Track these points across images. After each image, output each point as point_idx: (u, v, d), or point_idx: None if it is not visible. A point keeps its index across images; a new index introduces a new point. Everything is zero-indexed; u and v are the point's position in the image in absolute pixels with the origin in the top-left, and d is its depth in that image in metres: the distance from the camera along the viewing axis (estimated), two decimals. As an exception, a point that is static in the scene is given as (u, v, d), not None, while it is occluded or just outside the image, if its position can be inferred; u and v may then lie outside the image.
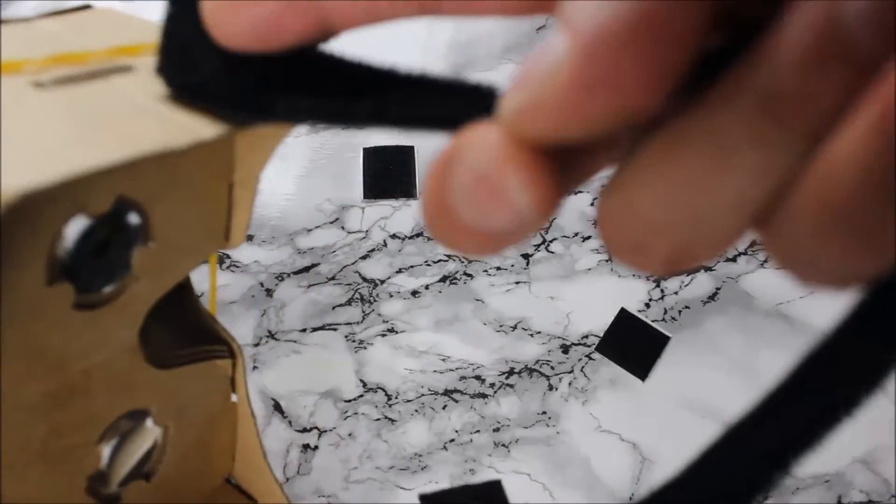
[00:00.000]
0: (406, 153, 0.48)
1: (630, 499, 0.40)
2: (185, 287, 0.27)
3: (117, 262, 0.22)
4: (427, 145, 0.48)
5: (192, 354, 0.26)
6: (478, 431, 0.41)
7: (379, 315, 0.44)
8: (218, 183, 0.24)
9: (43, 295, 0.19)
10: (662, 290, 0.45)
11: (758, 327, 0.44)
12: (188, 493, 0.29)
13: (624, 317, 0.44)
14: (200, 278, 0.29)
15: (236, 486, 0.32)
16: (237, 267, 0.45)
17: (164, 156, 0.15)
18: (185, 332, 0.27)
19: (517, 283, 0.45)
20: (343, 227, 0.46)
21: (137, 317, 0.23)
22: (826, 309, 0.45)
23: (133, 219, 0.21)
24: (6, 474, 0.20)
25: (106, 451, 0.25)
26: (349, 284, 0.45)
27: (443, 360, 0.43)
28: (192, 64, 0.14)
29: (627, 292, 0.45)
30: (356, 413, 0.41)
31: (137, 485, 0.26)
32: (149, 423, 0.26)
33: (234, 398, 0.29)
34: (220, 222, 0.25)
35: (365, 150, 0.49)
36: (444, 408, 0.42)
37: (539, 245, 0.46)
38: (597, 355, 0.43)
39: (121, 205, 0.20)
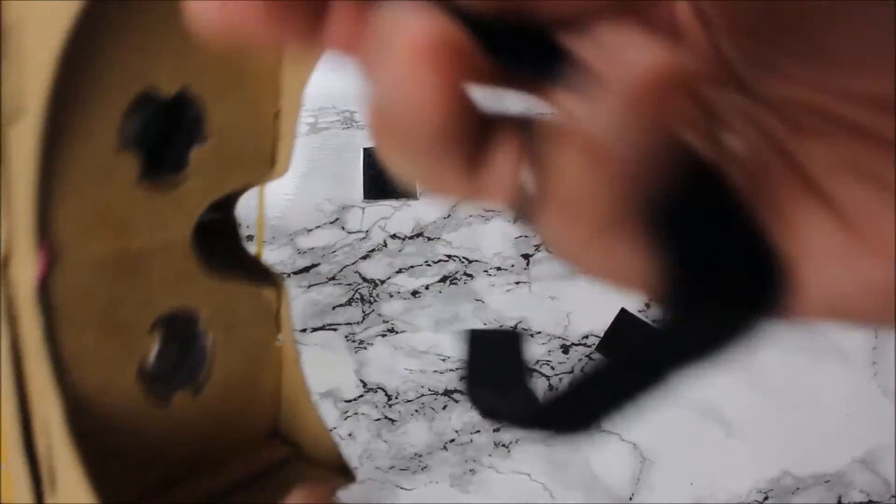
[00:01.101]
0: (406, 153, 0.48)
1: (630, 499, 0.40)
2: (232, 227, 0.29)
3: (177, 152, 0.24)
4: (427, 145, 0.48)
5: (240, 274, 0.28)
6: (478, 431, 0.41)
7: (379, 315, 0.44)
8: (267, 102, 0.28)
9: (112, 160, 0.22)
10: (662, 290, 0.45)
11: (758, 327, 0.44)
12: (233, 432, 0.29)
13: (624, 317, 0.44)
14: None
15: (283, 438, 0.33)
16: (237, 267, 0.45)
17: (226, 55, 0.18)
18: (233, 256, 0.29)
19: (517, 283, 0.45)
20: (343, 227, 0.46)
21: (192, 213, 0.25)
22: (826, 309, 0.45)
23: (193, 112, 0.24)
24: (66, 330, 0.22)
25: (156, 346, 0.25)
26: (349, 284, 0.45)
27: (443, 360, 0.43)
28: None
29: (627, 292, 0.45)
30: (356, 413, 0.41)
31: (184, 397, 0.27)
32: (199, 327, 0.27)
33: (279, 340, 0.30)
34: (267, 144, 0.28)
35: (365, 150, 0.49)
36: (444, 408, 0.42)
37: (539, 245, 0.46)
38: (597, 355, 0.43)
39: (184, 96, 0.23)
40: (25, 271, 0.20)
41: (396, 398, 0.42)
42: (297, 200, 0.48)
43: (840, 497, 0.40)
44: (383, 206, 0.47)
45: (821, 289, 0.12)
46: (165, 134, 0.24)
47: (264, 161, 0.28)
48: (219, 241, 0.28)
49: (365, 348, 0.43)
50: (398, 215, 0.47)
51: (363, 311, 0.44)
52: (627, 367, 0.16)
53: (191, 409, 0.27)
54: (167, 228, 0.25)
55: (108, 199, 0.23)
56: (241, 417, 0.29)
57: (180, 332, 0.26)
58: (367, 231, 0.46)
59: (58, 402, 0.21)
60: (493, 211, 0.47)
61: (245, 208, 0.29)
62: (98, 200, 0.22)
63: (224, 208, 0.29)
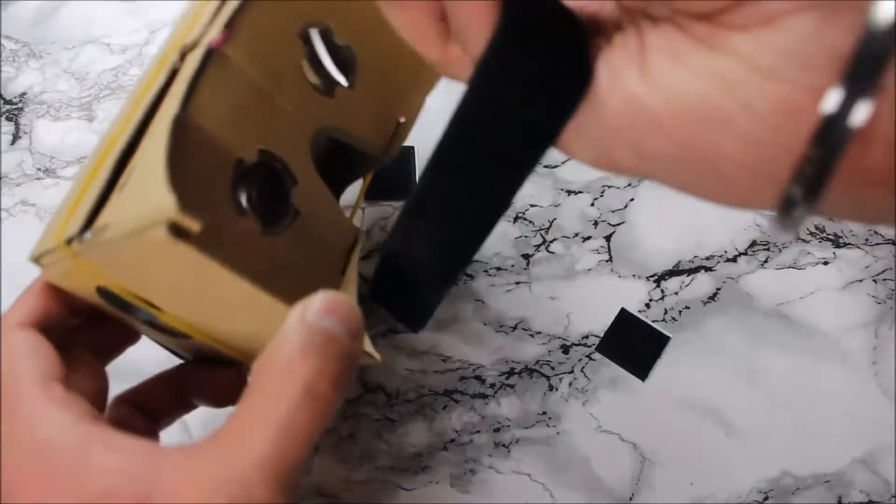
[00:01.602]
0: (406, 153, 0.48)
1: (630, 499, 0.40)
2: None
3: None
4: (427, 146, 0.48)
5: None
6: (478, 431, 0.41)
7: (379, 315, 0.44)
8: (391, 113, 0.34)
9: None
10: (662, 291, 0.45)
11: (758, 327, 0.44)
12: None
13: (624, 317, 0.44)
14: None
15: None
16: (237, 267, 0.45)
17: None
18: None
19: (517, 283, 0.45)
20: (343, 228, 0.46)
21: None
22: (826, 309, 0.45)
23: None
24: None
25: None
26: (349, 284, 0.45)
27: (443, 360, 0.43)
28: None
29: (627, 292, 0.45)
30: (356, 413, 0.41)
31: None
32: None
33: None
34: (388, 130, 0.34)
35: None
36: (444, 408, 0.42)
37: (539, 245, 0.46)
38: (597, 355, 0.43)
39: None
40: None
41: (396, 398, 0.42)
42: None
43: (840, 497, 0.40)
44: (383, 206, 0.47)
45: (619, 91, 0.17)
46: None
47: (387, 131, 0.34)
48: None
49: (365, 348, 0.43)
50: (398, 215, 0.47)
51: (363, 311, 0.44)
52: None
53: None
54: None
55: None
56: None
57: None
58: (367, 231, 0.46)
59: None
60: (494, 211, 0.47)
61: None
62: None
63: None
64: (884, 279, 0.46)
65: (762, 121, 0.15)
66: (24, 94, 0.50)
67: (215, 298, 0.24)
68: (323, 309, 0.22)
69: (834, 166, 0.15)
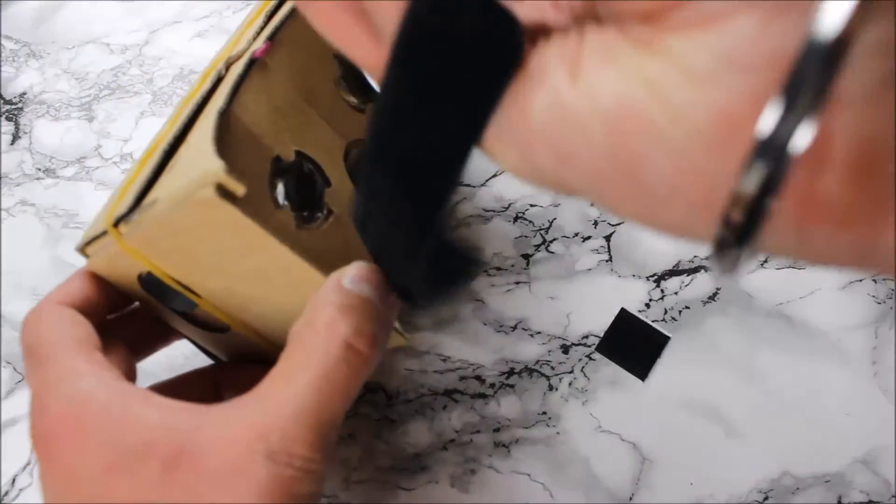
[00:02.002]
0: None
1: (630, 499, 0.40)
2: None
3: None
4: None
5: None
6: (478, 431, 0.41)
7: (379, 315, 0.44)
8: None
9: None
10: (662, 291, 0.45)
11: (758, 327, 0.44)
12: None
13: (624, 317, 0.44)
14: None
15: None
16: (237, 267, 0.45)
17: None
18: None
19: (517, 283, 0.45)
20: (343, 228, 0.46)
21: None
22: (826, 309, 0.45)
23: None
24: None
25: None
26: (349, 284, 0.45)
27: (443, 360, 0.43)
28: None
29: (627, 292, 0.45)
30: (356, 413, 0.41)
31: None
32: None
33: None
34: None
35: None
36: (444, 408, 0.42)
37: (539, 245, 0.46)
38: (597, 355, 0.43)
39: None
40: None
41: (396, 398, 0.42)
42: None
43: (840, 497, 0.40)
44: (383, 206, 0.47)
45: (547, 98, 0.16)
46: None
47: None
48: None
49: (365, 348, 0.43)
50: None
51: (363, 311, 0.44)
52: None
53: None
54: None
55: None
56: None
57: None
58: (367, 231, 0.46)
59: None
60: (493, 211, 0.47)
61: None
62: None
63: None
64: (884, 279, 0.46)
65: (695, 135, 0.13)
66: (24, 94, 0.50)
67: (255, 269, 0.25)
68: (358, 276, 0.23)
69: (767, 207, 0.13)
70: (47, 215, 0.46)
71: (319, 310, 0.23)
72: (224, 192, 0.22)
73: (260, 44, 0.28)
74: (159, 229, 0.24)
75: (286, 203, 0.27)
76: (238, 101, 0.26)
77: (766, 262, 0.46)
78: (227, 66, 0.28)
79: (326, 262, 0.28)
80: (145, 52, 0.53)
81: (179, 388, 0.30)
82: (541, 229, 0.47)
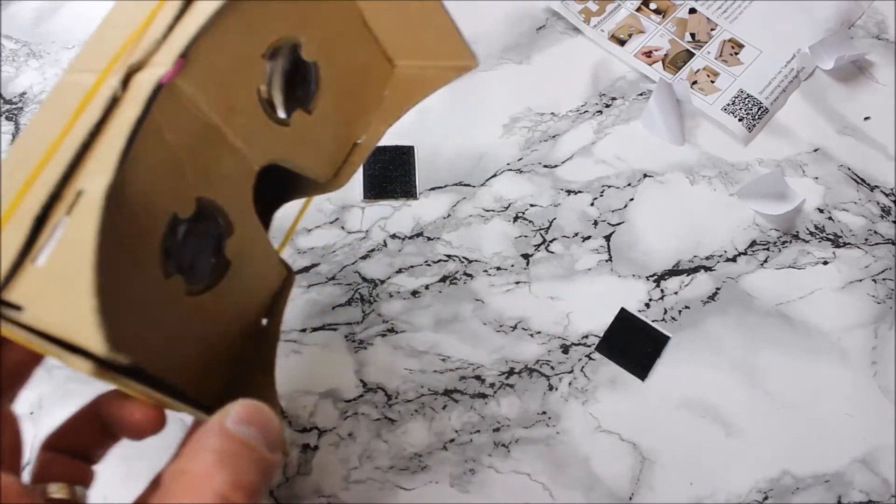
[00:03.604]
0: (406, 153, 0.48)
1: (630, 499, 0.40)
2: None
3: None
4: (427, 145, 0.48)
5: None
6: (478, 431, 0.41)
7: (379, 315, 0.44)
8: (350, 135, 0.32)
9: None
10: (662, 290, 0.45)
11: (758, 327, 0.44)
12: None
13: (624, 317, 0.44)
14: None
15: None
16: (237, 267, 0.45)
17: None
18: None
19: (517, 283, 0.45)
20: (343, 227, 0.46)
21: None
22: (826, 309, 0.45)
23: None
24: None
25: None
26: (349, 284, 0.45)
27: (443, 360, 0.43)
28: None
29: (627, 292, 0.45)
30: (356, 413, 0.41)
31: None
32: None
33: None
34: (337, 162, 0.31)
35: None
36: (444, 408, 0.42)
37: (539, 245, 0.46)
38: (597, 355, 0.43)
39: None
40: None
41: (396, 398, 0.42)
42: (296, 200, 0.48)
43: (840, 497, 0.40)
44: (383, 206, 0.47)
45: None
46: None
47: (333, 165, 0.31)
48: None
49: (365, 348, 0.43)
50: (398, 215, 0.47)
51: (363, 311, 0.44)
52: None
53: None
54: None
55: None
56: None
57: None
58: (367, 231, 0.46)
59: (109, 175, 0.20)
60: (493, 211, 0.47)
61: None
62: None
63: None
64: (883, 279, 0.46)
65: None
66: (24, 93, 0.50)
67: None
68: (241, 417, 0.22)
69: None
70: (47, 215, 0.46)
71: (197, 456, 0.21)
72: (104, 363, 0.20)
73: (169, 60, 0.22)
74: (20, 334, 0.20)
75: (177, 269, 0.24)
76: (132, 160, 0.21)
77: (765, 261, 0.46)
78: (125, 83, 0.22)
79: (212, 327, 0.26)
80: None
81: (68, 436, 0.28)
82: (541, 229, 0.47)
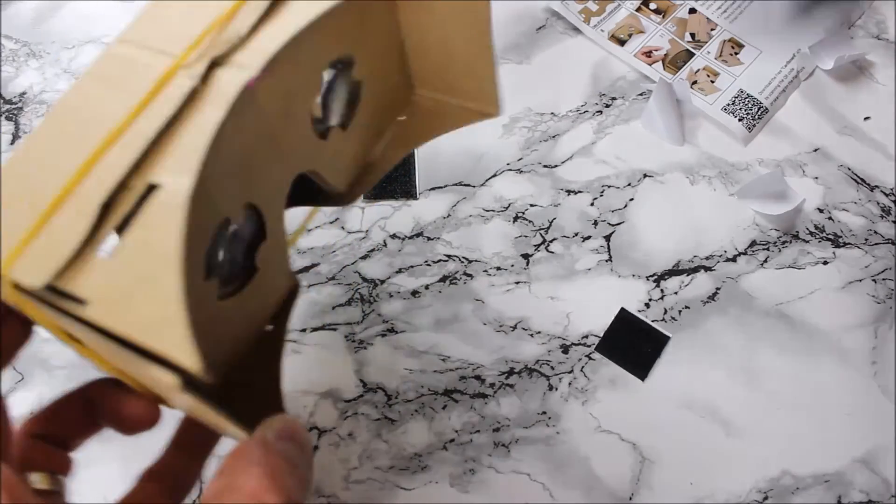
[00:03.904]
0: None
1: (630, 499, 0.40)
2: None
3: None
4: (427, 145, 0.48)
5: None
6: (478, 431, 0.41)
7: (379, 315, 0.44)
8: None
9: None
10: (662, 290, 0.45)
11: (758, 327, 0.44)
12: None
13: (624, 317, 0.44)
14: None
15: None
16: (237, 267, 0.45)
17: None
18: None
19: (517, 283, 0.45)
20: (343, 227, 0.46)
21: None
22: (826, 309, 0.45)
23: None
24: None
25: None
26: (349, 284, 0.45)
27: (443, 360, 0.43)
28: None
29: (627, 292, 0.45)
30: (356, 413, 0.41)
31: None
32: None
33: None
34: (355, 172, 0.31)
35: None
36: (444, 408, 0.42)
37: (539, 245, 0.46)
38: (597, 355, 0.43)
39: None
40: None
41: (396, 398, 0.42)
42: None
43: (840, 497, 0.40)
44: (383, 206, 0.47)
45: None
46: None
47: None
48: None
49: (365, 348, 0.43)
50: (398, 215, 0.47)
51: (363, 311, 0.44)
52: None
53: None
54: None
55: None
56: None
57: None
58: (367, 231, 0.46)
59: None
60: (493, 211, 0.47)
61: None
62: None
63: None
64: (883, 279, 0.46)
65: None
66: (24, 93, 0.50)
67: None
68: (282, 433, 0.22)
69: None
70: (47, 215, 0.46)
71: (245, 472, 0.21)
72: (190, 383, 0.19)
73: (255, 63, 0.22)
74: (71, 326, 0.20)
75: (216, 272, 0.23)
76: (207, 164, 0.20)
77: (765, 261, 0.46)
78: (204, 76, 0.21)
79: (233, 331, 0.25)
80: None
81: (51, 422, 0.27)
82: (541, 229, 0.47)
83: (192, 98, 0.21)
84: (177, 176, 0.19)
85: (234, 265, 0.24)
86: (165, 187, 0.19)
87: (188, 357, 0.18)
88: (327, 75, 0.27)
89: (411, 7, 0.28)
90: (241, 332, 0.26)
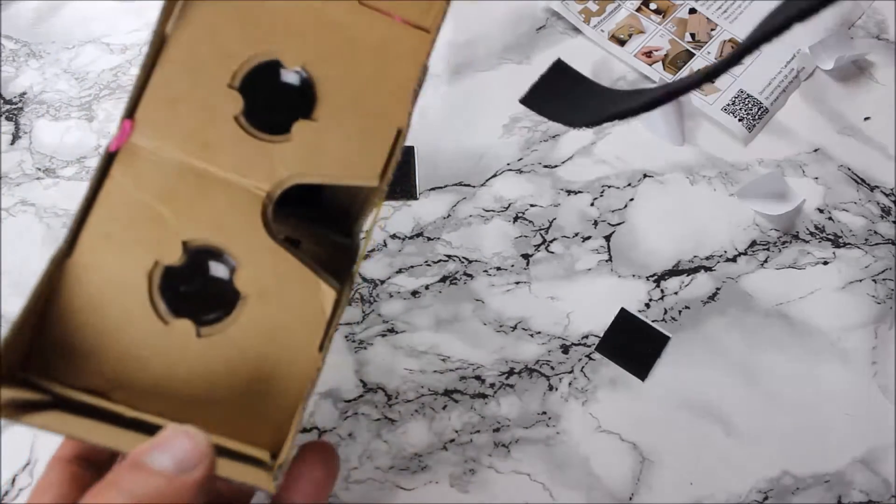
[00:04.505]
0: (406, 153, 0.48)
1: (630, 499, 0.40)
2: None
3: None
4: (427, 145, 0.48)
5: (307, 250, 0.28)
6: (478, 431, 0.41)
7: (379, 315, 0.44)
8: (393, 118, 0.28)
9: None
10: (662, 291, 0.45)
11: (758, 327, 0.44)
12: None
13: (624, 317, 0.44)
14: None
15: None
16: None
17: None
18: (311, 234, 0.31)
19: (517, 283, 0.45)
20: (343, 227, 0.46)
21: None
22: (826, 309, 0.45)
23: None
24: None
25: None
26: (349, 284, 0.45)
27: (443, 360, 0.43)
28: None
29: (627, 292, 0.45)
30: (356, 413, 0.41)
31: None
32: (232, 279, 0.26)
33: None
34: (383, 148, 0.28)
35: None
36: (444, 408, 0.42)
37: (539, 245, 0.46)
38: (597, 355, 0.43)
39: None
40: None
41: (396, 398, 0.42)
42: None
43: (840, 497, 0.40)
44: (383, 206, 0.47)
45: None
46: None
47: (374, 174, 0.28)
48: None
49: (365, 348, 0.43)
50: (398, 215, 0.47)
51: (363, 311, 0.44)
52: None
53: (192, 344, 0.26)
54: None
55: None
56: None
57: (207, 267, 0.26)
58: (366, 231, 0.46)
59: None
60: (493, 211, 0.47)
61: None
62: None
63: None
64: (883, 279, 0.46)
65: None
66: (24, 93, 0.50)
67: None
68: (153, 444, 0.21)
69: None
70: (47, 215, 0.46)
71: (100, 493, 0.20)
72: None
73: (114, 128, 0.25)
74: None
75: (175, 313, 0.24)
76: (94, 225, 0.23)
77: (765, 262, 0.46)
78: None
79: (254, 367, 0.25)
80: (145, 52, 0.53)
81: (80, 446, 0.27)
82: (541, 229, 0.47)
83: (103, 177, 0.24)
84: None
85: (203, 301, 0.24)
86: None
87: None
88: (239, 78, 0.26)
89: None
90: (272, 357, 0.25)
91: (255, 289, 0.25)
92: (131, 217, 0.23)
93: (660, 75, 0.51)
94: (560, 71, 0.29)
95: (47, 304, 0.22)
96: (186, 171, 0.24)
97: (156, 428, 0.22)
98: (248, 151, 0.25)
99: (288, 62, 0.26)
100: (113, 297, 0.23)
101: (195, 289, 0.24)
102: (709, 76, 0.23)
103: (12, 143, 0.49)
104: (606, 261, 0.46)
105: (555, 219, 0.47)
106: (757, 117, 0.50)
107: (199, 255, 0.24)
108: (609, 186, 0.48)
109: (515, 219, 0.47)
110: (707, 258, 0.46)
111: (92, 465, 0.26)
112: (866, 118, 0.51)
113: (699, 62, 0.52)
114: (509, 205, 0.47)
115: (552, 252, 0.46)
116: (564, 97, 0.29)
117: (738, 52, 0.22)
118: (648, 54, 0.52)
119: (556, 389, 0.42)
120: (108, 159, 0.23)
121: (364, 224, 0.33)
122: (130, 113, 0.23)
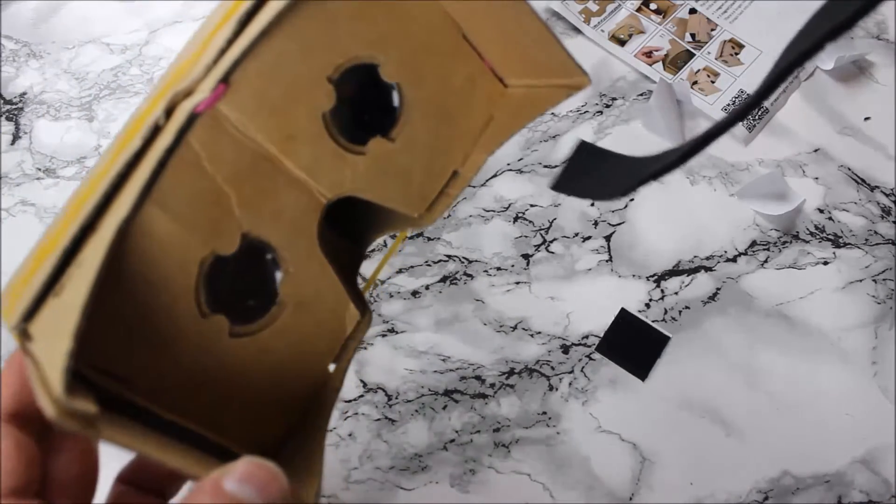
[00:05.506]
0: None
1: (630, 499, 0.40)
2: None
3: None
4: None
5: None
6: (478, 431, 0.41)
7: (379, 315, 0.44)
8: (454, 158, 0.27)
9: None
10: (662, 291, 0.45)
11: (758, 327, 0.44)
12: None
13: (624, 317, 0.44)
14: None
15: None
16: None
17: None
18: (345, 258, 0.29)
19: (517, 283, 0.45)
20: (343, 228, 0.46)
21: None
22: (826, 309, 0.45)
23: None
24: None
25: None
26: (349, 284, 0.45)
27: (443, 360, 0.43)
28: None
29: (627, 292, 0.45)
30: (356, 413, 0.41)
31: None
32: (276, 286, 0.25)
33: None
34: (435, 187, 0.27)
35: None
36: (444, 408, 0.42)
37: (539, 245, 0.46)
38: (597, 355, 0.43)
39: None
40: None
41: (396, 398, 0.42)
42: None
43: (840, 497, 0.40)
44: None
45: None
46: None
47: (421, 202, 0.27)
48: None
49: (365, 348, 0.43)
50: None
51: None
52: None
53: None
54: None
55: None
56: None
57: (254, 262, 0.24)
58: (379, 264, 0.46)
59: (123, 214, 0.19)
60: (493, 211, 0.47)
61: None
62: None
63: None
64: (883, 279, 0.46)
65: None
66: (24, 94, 0.50)
67: None
68: (241, 476, 0.20)
69: None
70: (47, 215, 0.46)
71: None
72: (74, 415, 0.18)
73: (209, 86, 0.20)
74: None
75: (215, 308, 0.23)
76: (163, 191, 0.20)
77: (766, 262, 0.46)
78: (169, 111, 0.20)
79: (274, 370, 0.24)
80: (145, 52, 0.53)
81: (139, 471, 0.27)
82: (541, 229, 0.47)
83: (155, 135, 0.20)
84: (119, 211, 0.19)
85: (246, 301, 0.23)
86: (106, 225, 0.19)
87: (54, 380, 0.17)
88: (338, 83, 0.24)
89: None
90: (290, 370, 0.25)
91: (295, 299, 0.24)
92: (195, 194, 0.21)
93: (660, 75, 0.51)
94: (584, 151, 0.29)
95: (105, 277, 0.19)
96: (262, 159, 0.22)
97: (188, 432, 0.22)
98: (325, 154, 0.24)
99: (386, 74, 0.25)
100: (163, 279, 0.21)
101: (239, 284, 0.23)
102: (739, 116, 0.21)
103: (12, 143, 0.49)
104: (606, 261, 0.46)
105: (555, 219, 0.47)
106: (757, 117, 0.50)
107: (251, 250, 0.23)
108: (609, 186, 0.48)
109: (515, 219, 0.47)
110: (707, 258, 0.46)
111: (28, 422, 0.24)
112: (866, 118, 0.51)
113: (699, 62, 0.52)
114: (509, 205, 0.47)
115: (552, 252, 0.46)
116: (591, 174, 0.28)
117: (770, 84, 0.20)
118: (648, 54, 0.52)
119: (557, 389, 0.42)
120: (189, 121, 0.20)
121: (377, 238, 0.32)
122: (227, 76, 0.21)
